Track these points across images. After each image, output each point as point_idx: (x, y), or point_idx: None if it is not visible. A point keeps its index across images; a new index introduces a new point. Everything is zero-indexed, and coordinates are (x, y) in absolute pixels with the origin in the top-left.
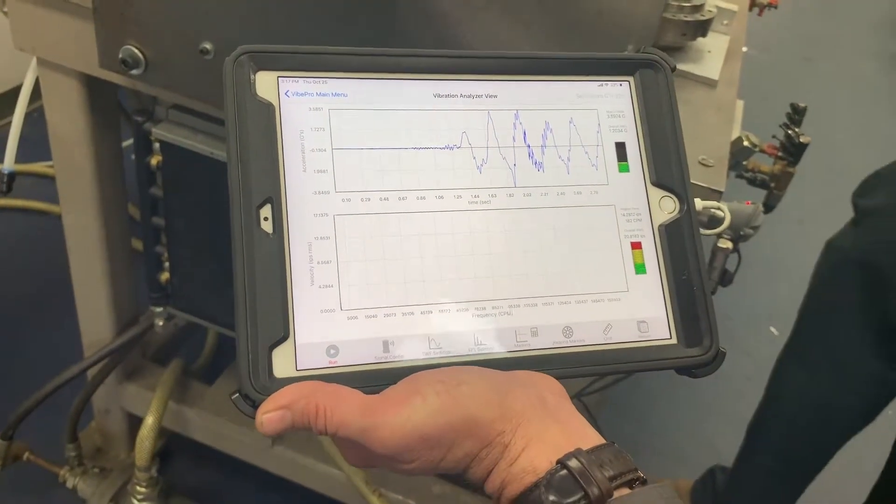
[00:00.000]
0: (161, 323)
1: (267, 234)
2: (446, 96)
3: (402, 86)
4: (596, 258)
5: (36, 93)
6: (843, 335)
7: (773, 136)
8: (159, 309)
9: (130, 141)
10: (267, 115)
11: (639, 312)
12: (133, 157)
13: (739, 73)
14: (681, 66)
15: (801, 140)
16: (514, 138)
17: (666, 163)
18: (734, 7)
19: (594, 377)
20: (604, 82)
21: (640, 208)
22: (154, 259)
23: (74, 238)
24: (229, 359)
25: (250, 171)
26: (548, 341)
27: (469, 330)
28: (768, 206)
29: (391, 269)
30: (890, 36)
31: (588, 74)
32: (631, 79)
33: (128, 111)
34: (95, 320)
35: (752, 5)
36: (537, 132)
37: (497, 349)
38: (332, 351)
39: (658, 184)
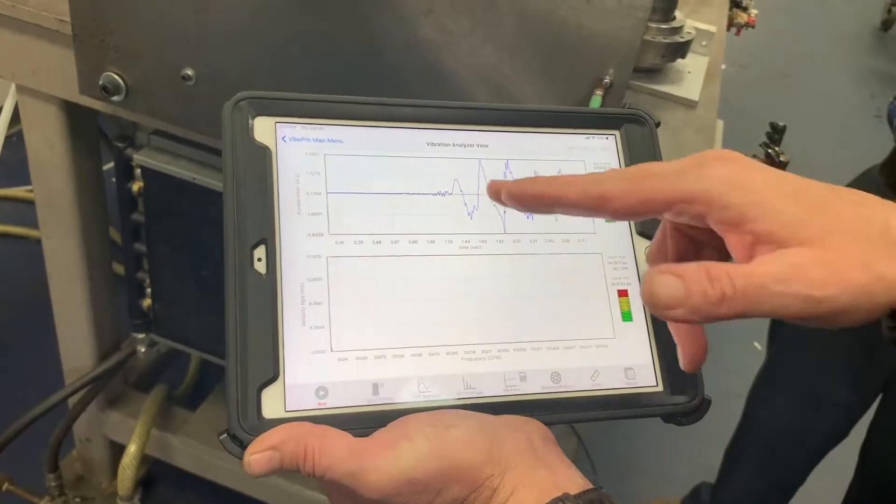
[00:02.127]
0: (143, 349)
1: (260, 274)
2: (439, 144)
3: (396, 134)
4: (583, 305)
5: (14, 116)
6: (815, 362)
7: (754, 156)
8: (142, 335)
9: (110, 165)
10: (264, 158)
11: (626, 359)
12: (113, 180)
13: (719, 93)
14: (660, 88)
15: (782, 159)
16: None
17: None
18: (713, 28)
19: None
20: (591, 135)
21: (627, 256)
22: (136, 285)
23: (55, 263)
24: (213, 384)
25: (246, 213)
26: (536, 386)
27: (458, 373)
28: None
29: (382, 312)
30: (858, 51)
31: (576, 128)
32: (617, 132)
33: (108, 136)
34: (76, 347)
35: (730, 25)
36: None
37: (486, 393)
38: (322, 392)
39: (643, 233)
